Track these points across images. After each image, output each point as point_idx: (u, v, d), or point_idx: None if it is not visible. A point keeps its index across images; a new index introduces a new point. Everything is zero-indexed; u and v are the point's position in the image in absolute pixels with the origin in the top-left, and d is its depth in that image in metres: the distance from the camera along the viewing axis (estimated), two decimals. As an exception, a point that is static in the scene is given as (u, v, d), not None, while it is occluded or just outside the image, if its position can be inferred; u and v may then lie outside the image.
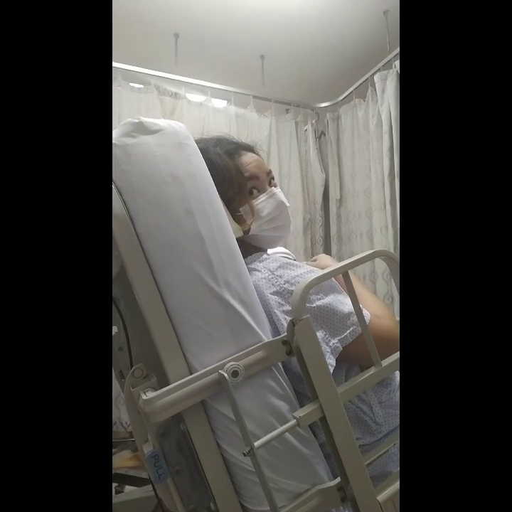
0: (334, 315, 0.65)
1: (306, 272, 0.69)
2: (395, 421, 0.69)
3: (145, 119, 0.62)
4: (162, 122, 0.63)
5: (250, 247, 0.79)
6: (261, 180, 0.79)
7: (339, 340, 0.64)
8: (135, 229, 0.59)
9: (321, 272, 0.58)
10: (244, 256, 0.68)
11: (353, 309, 0.63)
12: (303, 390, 0.64)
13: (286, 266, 0.70)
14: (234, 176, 0.75)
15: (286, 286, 0.67)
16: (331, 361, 0.62)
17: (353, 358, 0.67)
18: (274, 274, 0.69)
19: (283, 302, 0.66)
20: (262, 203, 0.77)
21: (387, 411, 0.70)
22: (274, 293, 0.67)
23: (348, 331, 0.65)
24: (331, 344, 0.63)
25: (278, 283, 0.68)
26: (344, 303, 0.67)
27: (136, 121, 0.62)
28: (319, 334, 0.63)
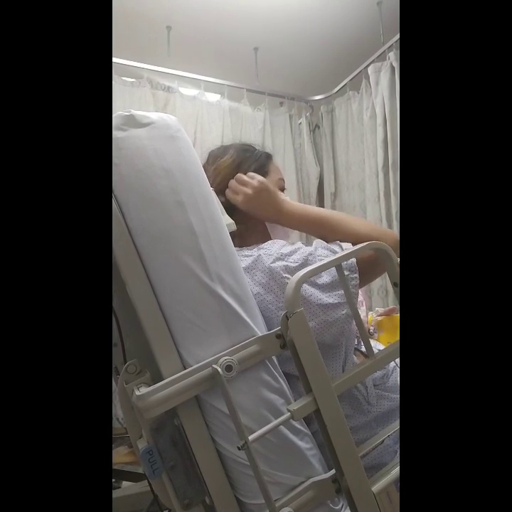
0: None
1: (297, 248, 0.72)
2: (386, 404, 0.71)
3: (136, 112, 0.61)
4: (153, 115, 0.62)
5: (250, 242, 0.82)
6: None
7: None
8: (126, 223, 0.58)
9: (313, 266, 0.58)
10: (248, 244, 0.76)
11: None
12: (292, 370, 0.64)
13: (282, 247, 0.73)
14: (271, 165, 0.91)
15: (282, 250, 0.70)
16: (355, 275, 0.68)
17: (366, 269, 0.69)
18: (265, 248, 0.72)
19: (286, 263, 0.68)
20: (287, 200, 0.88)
21: (379, 393, 0.71)
22: (275, 260, 0.69)
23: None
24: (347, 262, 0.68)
25: (274, 252, 0.70)
26: None
27: (127, 114, 0.61)
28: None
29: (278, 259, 0.68)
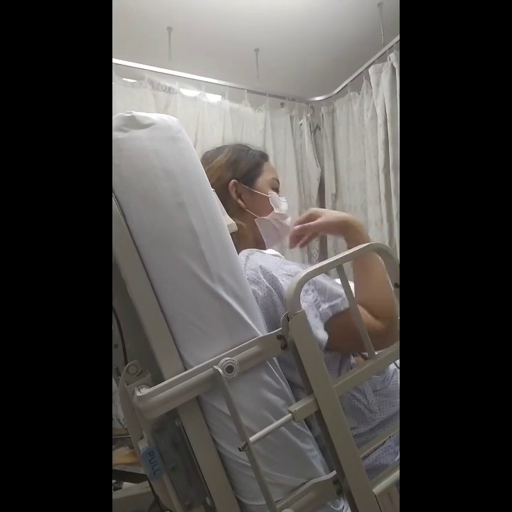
0: (325, 284, 0.67)
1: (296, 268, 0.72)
2: (389, 409, 0.70)
3: (137, 113, 0.61)
4: (154, 116, 0.62)
5: (250, 241, 0.84)
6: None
7: (330, 306, 0.65)
8: (127, 223, 0.58)
9: (315, 266, 0.58)
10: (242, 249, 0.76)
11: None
12: (296, 380, 0.65)
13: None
14: (265, 164, 0.91)
15: (276, 260, 0.72)
16: (319, 325, 0.64)
17: (336, 333, 0.65)
18: (263, 254, 0.74)
19: (277, 267, 0.69)
20: (281, 201, 0.90)
21: (381, 399, 0.71)
22: (267, 262, 0.70)
23: (340, 299, 0.66)
24: (320, 309, 0.65)
25: (270, 258, 0.72)
26: (336, 283, 0.70)
27: (128, 115, 0.61)
28: (309, 298, 0.65)
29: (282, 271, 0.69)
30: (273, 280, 0.67)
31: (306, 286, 0.65)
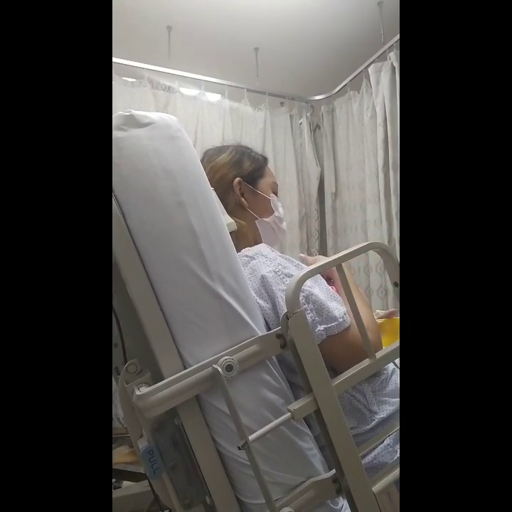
0: (323, 303, 0.66)
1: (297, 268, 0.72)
2: (388, 409, 0.70)
3: (136, 112, 0.61)
4: (153, 115, 0.62)
5: (250, 240, 0.85)
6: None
7: (325, 329, 0.65)
8: (127, 223, 0.58)
9: (313, 266, 0.58)
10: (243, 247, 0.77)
11: (341, 308, 0.68)
12: (296, 381, 0.65)
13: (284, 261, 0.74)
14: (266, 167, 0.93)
15: (280, 268, 0.70)
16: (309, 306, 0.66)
17: (328, 354, 0.63)
18: (267, 258, 0.73)
19: (278, 281, 0.68)
20: (279, 205, 0.92)
21: (380, 399, 0.71)
22: (270, 272, 0.69)
23: (335, 323, 0.65)
24: (316, 330, 0.65)
25: (273, 264, 0.71)
26: (336, 298, 0.70)
27: (127, 114, 0.61)
28: (307, 317, 0.64)
29: (273, 271, 0.69)
30: (272, 295, 0.67)
31: (304, 305, 0.66)
